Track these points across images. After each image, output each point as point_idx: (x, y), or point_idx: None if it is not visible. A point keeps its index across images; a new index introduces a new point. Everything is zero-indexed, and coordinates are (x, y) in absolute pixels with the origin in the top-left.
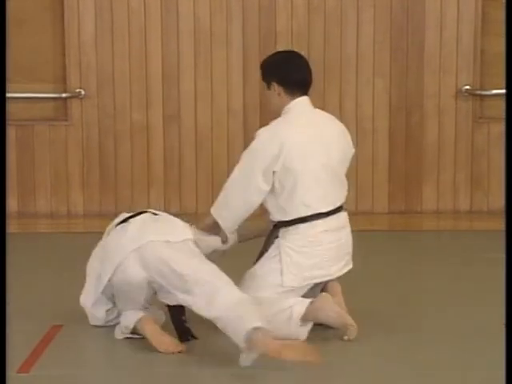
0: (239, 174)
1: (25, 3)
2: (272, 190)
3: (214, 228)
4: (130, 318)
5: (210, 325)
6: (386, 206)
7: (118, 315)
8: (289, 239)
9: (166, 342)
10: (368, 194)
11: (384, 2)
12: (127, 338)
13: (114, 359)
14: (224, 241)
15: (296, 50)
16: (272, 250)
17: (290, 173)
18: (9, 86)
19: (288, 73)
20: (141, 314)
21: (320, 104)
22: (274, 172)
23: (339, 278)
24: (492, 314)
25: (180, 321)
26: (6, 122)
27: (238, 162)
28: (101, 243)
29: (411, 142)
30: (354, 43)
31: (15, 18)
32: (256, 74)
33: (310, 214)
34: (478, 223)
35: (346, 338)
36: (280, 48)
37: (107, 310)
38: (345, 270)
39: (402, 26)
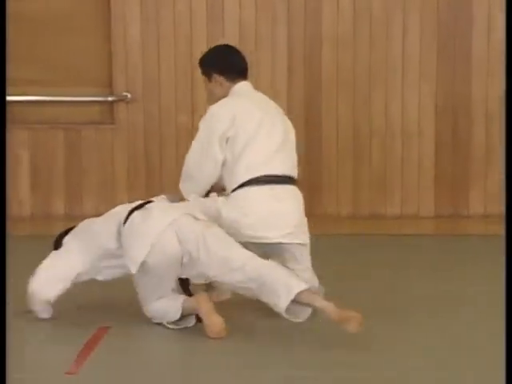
0: (197, 146)
1: (72, 8)
2: (224, 161)
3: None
4: (173, 304)
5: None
6: (432, 210)
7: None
8: (229, 197)
9: (217, 324)
10: (414, 198)
11: (431, 5)
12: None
13: (162, 358)
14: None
15: (341, 53)
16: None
17: (239, 139)
18: (56, 89)
19: (225, 62)
20: (181, 296)
21: (365, 107)
22: (227, 140)
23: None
24: None
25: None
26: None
27: None
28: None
29: (458, 146)
30: (399, 46)
31: (63, 22)
32: (301, 78)
33: (256, 175)
34: None
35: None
36: (327, 52)
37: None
38: (290, 241)
39: (449, 29)
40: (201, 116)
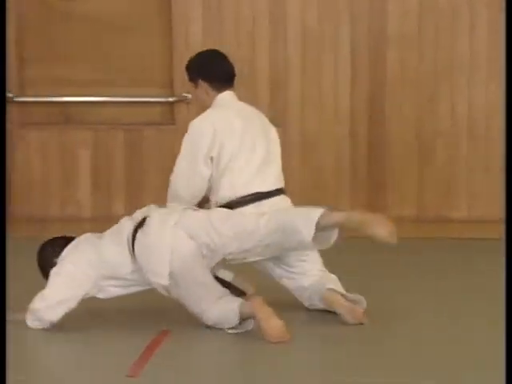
0: (183, 165)
1: (134, 8)
2: (210, 177)
3: None
4: (230, 308)
5: None
6: (498, 213)
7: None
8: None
9: (277, 327)
10: (481, 201)
11: (498, 2)
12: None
13: (223, 360)
14: None
15: (407, 53)
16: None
17: (221, 158)
18: (117, 89)
19: (211, 69)
20: (236, 299)
21: (431, 107)
22: (211, 158)
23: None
24: None
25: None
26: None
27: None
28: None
29: None
30: (466, 45)
31: (124, 22)
32: (365, 77)
33: (240, 195)
34: None
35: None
36: (391, 52)
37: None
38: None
39: None
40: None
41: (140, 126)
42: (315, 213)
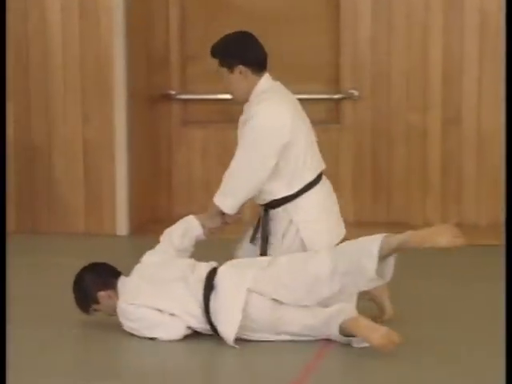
0: (250, 156)
1: (301, 4)
2: (274, 168)
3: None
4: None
5: None
6: None
7: None
8: (301, 213)
9: (383, 334)
10: None
11: None
12: None
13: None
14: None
15: None
16: (282, 237)
17: (292, 143)
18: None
19: (251, 52)
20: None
21: None
22: (284, 145)
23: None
24: None
25: None
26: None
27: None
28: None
29: None
30: None
31: (288, 17)
32: None
33: (314, 177)
34: None
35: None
36: None
37: None
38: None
39: None
40: (433, 114)
41: None
42: (374, 245)
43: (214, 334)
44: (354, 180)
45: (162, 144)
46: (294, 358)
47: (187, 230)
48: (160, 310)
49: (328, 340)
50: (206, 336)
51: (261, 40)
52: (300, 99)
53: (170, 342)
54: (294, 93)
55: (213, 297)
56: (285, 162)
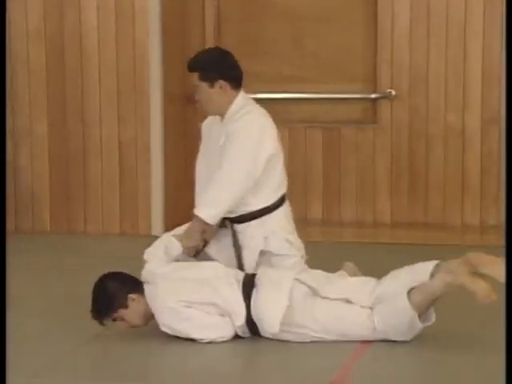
0: (236, 167)
1: (338, 2)
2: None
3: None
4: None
5: None
6: None
7: None
8: (277, 224)
9: (484, 288)
10: None
11: None
12: None
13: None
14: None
15: None
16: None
17: (275, 156)
18: (316, 86)
19: (232, 68)
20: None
21: None
22: (269, 158)
23: None
24: None
25: None
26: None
27: None
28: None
29: None
30: None
31: (324, 15)
32: None
33: (285, 190)
34: None
35: None
36: None
37: None
38: None
39: None
40: (472, 114)
41: (339, 124)
42: (405, 288)
43: (250, 335)
44: (391, 180)
45: (197, 144)
46: (330, 358)
47: (167, 249)
48: (214, 304)
49: (364, 342)
50: (240, 338)
51: (298, 39)
52: (337, 98)
53: (208, 343)
54: (331, 92)
55: (254, 293)
56: (267, 175)
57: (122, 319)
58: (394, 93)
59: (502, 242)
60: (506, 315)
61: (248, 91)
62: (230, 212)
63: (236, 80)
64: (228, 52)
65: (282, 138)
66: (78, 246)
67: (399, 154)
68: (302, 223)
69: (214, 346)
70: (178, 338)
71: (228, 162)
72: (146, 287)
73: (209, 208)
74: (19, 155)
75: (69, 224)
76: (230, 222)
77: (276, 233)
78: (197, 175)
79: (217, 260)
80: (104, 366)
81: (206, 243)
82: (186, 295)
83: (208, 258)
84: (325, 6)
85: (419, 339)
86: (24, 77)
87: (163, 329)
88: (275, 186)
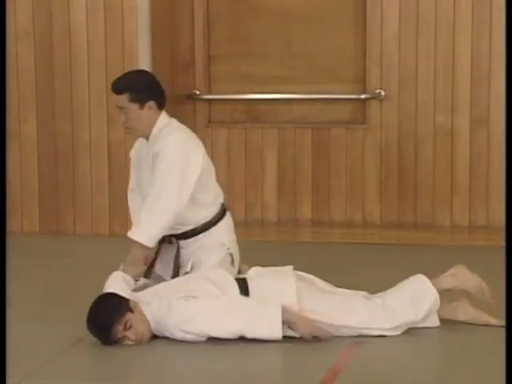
0: (167, 186)
1: (327, 3)
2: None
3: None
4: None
5: None
6: None
7: None
8: (220, 234)
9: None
10: None
11: None
12: None
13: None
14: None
15: None
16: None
17: (206, 169)
18: (305, 86)
19: (159, 89)
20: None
21: None
22: (200, 173)
23: None
24: None
25: None
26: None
27: None
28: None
29: None
30: None
31: (316, 17)
32: None
33: (223, 199)
34: None
35: None
36: None
37: None
38: None
39: None
40: (461, 115)
41: (328, 124)
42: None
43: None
44: (380, 181)
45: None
46: (319, 357)
47: (126, 279)
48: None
49: (354, 341)
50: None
51: (287, 40)
52: (326, 99)
53: (201, 343)
54: (321, 93)
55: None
56: (201, 189)
57: (130, 326)
58: (383, 93)
59: (490, 242)
60: (506, 315)
61: (238, 92)
62: (171, 229)
63: (162, 100)
64: (151, 73)
65: (271, 139)
66: (67, 247)
67: (388, 154)
68: (291, 224)
69: (203, 347)
70: (170, 339)
71: (158, 183)
72: (142, 308)
73: (145, 231)
74: (8, 156)
75: (58, 225)
76: (175, 238)
77: (224, 245)
78: (130, 205)
79: (162, 276)
80: (95, 367)
81: (153, 263)
82: (183, 292)
83: (155, 276)
84: (315, 7)
85: (410, 338)
86: (13, 77)
87: (179, 335)
88: (212, 198)
